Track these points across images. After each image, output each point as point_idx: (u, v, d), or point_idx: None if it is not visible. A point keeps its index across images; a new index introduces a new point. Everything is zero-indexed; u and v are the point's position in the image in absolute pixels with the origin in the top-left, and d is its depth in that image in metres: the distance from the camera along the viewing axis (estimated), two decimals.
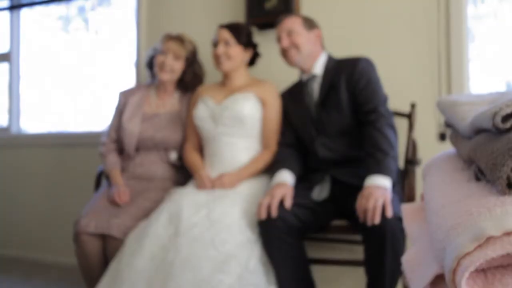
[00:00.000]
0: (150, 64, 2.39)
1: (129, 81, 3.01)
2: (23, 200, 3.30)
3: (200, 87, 2.31)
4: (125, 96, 2.37)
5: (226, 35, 2.12)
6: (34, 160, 3.28)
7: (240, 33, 2.13)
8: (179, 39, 2.29)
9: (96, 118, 3.23)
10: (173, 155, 2.29)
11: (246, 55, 2.18)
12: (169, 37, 2.30)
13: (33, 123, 3.49)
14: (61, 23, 3.48)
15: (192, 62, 2.33)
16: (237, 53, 2.13)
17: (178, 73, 2.30)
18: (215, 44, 2.15)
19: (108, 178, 2.29)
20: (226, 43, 2.11)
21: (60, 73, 3.40)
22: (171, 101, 2.36)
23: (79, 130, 3.23)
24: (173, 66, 2.27)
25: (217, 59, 2.13)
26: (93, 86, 3.32)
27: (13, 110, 3.42)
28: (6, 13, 3.46)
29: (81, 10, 3.41)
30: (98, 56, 3.29)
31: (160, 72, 2.27)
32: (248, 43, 2.17)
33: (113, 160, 2.30)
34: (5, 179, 3.38)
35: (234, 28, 2.14)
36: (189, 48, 2.31)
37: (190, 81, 2.34)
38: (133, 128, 2.27)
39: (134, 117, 2.30)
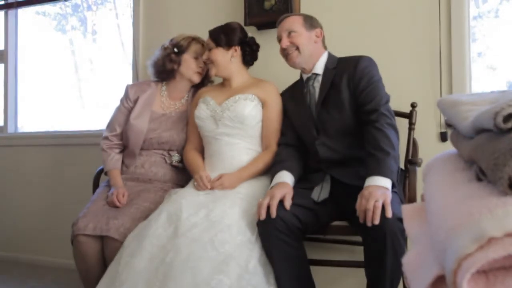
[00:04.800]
0: (163, 66, 2.29)
1: (126, 81, 3.00)
2: (19, 200, 3.29)
3: (202, 88, 2.31)
4: (135, 92, 2.33)
5: (208, 41, 2.16)
6: (31, 160, 3.27)
7: (217, 35, 2.13)
8: (203, 42, 2.30)
9: (93, 118, 3.23)
10: (176, 157, 2.27)
11: (231, 54, 2.14)
12: (197, 40, 2.31)
13: (29, 122, 3.48)
14: (57, 22, 3.48)
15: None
16: (219, 56, 2.13)
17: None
18: None
19: (107, 174, 2.28)
20: (209, 50, 2.15)
21: (56, 72, 3.40)
22: (182, 101, 2.35)
23: (76, 130, 3.22)
24: (204, 69, 2.31)
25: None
26: (89, 85, 3.32)
27: (9, 109, 3.41)
28: (2, 12, 3.46)
29: (78, 9, 3.40)
30: (94, 55, 3.29)
31: (196, 75, 2.30)
32: (228, 42, 2.13)
33: (114, 158, 2.27)
34: (1, 179, 3.37)
35: (212, 32, 2.16)
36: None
37: (210, 77, 2.39)
38: (141, 126, 2.25)
39: (143, 115, 2.27)
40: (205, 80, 2.39)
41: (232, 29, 2.16)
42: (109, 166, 2.26)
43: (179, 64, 2.28)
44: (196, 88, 2.38)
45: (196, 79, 2.31)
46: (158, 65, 2.31)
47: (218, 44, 2.13)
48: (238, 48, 2.16)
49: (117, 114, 2.32)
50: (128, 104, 2.31)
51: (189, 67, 2.28)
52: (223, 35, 2.13)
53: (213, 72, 2.16)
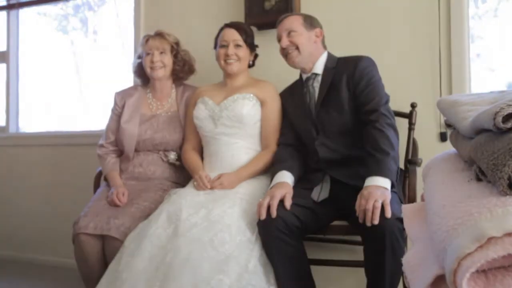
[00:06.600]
0: (139, 71, 2.38)
1: (127, 81, 3.00)
2: (21, 200, 3.29)
3: (200, 87, 2.30)
4: (122, 97, 2.36)
5: (236, 36, 2.12)
6: (32, 159, 3.27)
7: (248, 35, 2.16)
8: (158, 34, 2.30)
9: (94, 118, 3.23)
10: (172, 155, 2.28)
11: (251, 57, 2.21)
12: (148, 37, 2.31)
13: (31, 122, 3.48)
14: (58, 23, 3.48)
15: (178, 51, 2.33)
16: (246, 55, 2.16)
17: (170, 66, 2.31)
18: (223, 44, 2.13)
19: (106, 179, 2.29)
20: (236, 45, 2.12)
21: (58, 72, 3.40)
22: (169, 101, 2.36)
23: (78, 130, 3.23)
24: (163, 61, 2.28)
25: (225, 59, 2.12)
26: (91, 85, 3.32)
27: (11, 109, 3.41)
28: (3, 12, 3.45)
29: (79, 10, 3.40)
30: (95, 56, 3.29)
31: (153, 71, 2.27)
32: (253, 45, 2.19)
33: (111, 161, 2.30)
34: (3, 178, 3.37)
35: (242, 30, 2.15)
36: (170, 39, 2.31)
37: (182, 69, 2.35)
38: (132, 130, 2.27)
39: (133, 119, 2.30)
40: (179, 65, 2.33)
41: (253, 33, 2.21)
42: (107, 170, 2.29)
43: (143, 67, 2.32)
44: (185, 86, 2.39)
45: (156, 74, 2.27)
46: (134, 72, 2.42)
47: (247, 45, 2.15)
48: (254, 53, 2.22)
49: (110, 123, 2.36)
50: (117, 110, 2.35)
51: (146, 67, 2.28)
52: (251, 37, 2.17)
53: (236, 68, 2.13)
